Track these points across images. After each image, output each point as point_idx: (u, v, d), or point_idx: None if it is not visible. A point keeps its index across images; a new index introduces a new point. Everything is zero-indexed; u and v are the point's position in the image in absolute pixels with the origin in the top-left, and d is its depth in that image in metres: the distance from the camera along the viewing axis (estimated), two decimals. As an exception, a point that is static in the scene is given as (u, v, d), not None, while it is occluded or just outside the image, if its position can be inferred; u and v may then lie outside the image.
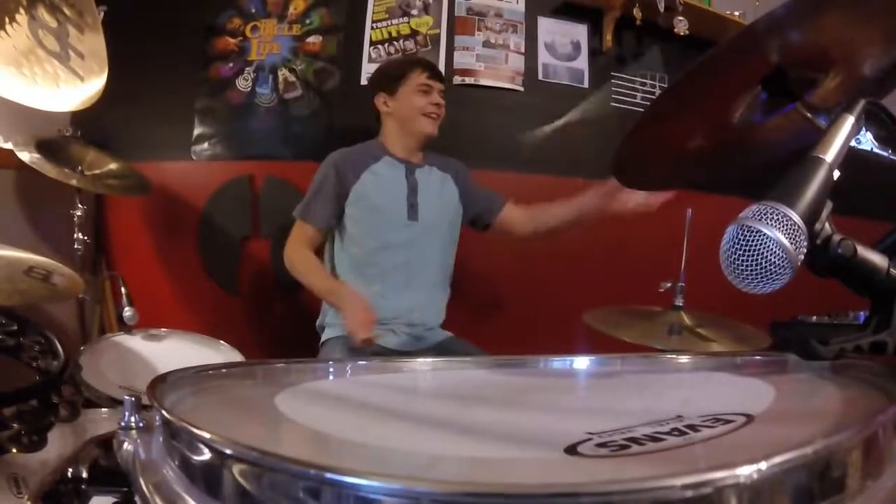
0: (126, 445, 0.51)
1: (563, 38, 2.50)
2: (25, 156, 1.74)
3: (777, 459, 0.34)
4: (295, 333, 2.31)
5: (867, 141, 0.67)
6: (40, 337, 1.19)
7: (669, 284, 1.59)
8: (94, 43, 1.51)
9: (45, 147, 1.80)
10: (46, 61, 1.35)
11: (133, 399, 0.54)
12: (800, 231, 0.54)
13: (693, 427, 0.48)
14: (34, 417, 0.98)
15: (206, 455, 0.41)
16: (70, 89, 1.49)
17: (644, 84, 2.56)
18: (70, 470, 0.53)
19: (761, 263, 0.54)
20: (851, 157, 0.62)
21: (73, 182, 1.78)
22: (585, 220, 1.82)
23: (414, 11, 2.40)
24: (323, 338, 1.82)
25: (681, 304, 1.58)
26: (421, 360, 0.87)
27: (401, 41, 2.38)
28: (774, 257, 0.54)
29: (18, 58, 1.35)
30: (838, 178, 0.59)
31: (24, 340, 1.18)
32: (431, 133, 1.83)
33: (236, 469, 0.39)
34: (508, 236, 2.01)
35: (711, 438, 0.46)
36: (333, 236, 1.85)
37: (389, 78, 1.85)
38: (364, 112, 1.93)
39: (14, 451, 0.94)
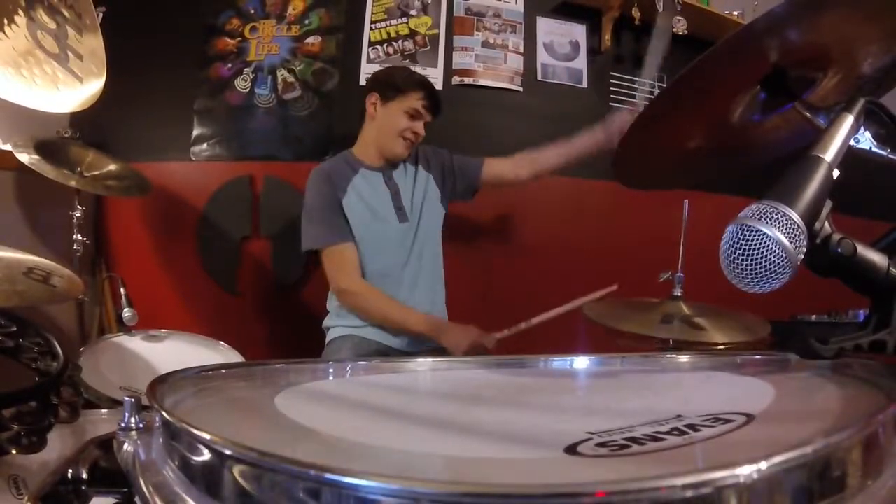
0: (126, 446, 0.51)
1: (561, 38, 2.50)
2: (25, 157, 1.74)
3: (777, 459, 0.34)
4: (295, 333, 2.31)
5: (866, 140, 0.67)
6: (39, 338, 1.19)
7: (668, 275, 1.60)
8: (93, 44, 1.51)
9: (45, 148, 1.80)
10: (45, 63, 1.34)
11: (133, 400, 0.54)
12: (799, 230, 0.54)
13: (693, 427, 0.48)
14: (34, 419, 0.98)
15: (206, 456, 0.41)
16: (69, 90, 1.48)
17: (643, 84, 2.56)
18: (70, 471, 0.53)
19: (761, 263, 0.54)
20: (850, 157, 0.62)
21: (73, 183, 1.78)
22: (581, 161, 1.86)
23: (413, 12, 2.40)
24: (329, 337, 1.82)
25: (679, 295, 1.58)
26: (421, 360, 0.87)
27: (399, 42, 2.38)
28: (774, 256, 0.54)
29: (17, 59, 1.34)
30: (838, 177, 0.59)
31: (24, 342, 1.17)
32: (401, 156, 1.81)
33: (236, 470, 0.39)
34: (501, 186, 2.04)
35: (711, 438, 0.46)
36: None
37: (390, 85, 1.81)
38: (362, 112, 1.92)
39: (14, 452, 0.94)
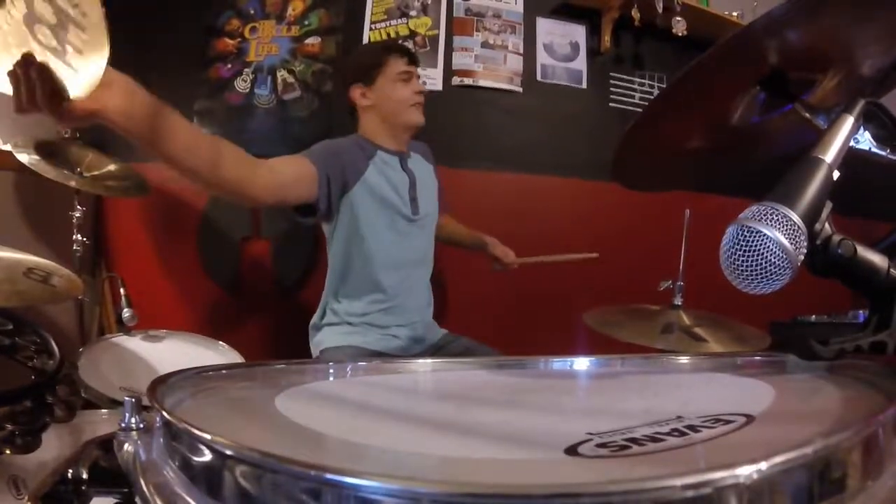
0: (126, 446, 0.51)
1: (561, 38, 2.50)
2: (24, 157, 1.74)
3: (777, 459, 0.34)
4: (295, 334, 2.31)
5: (865, 140, 0.67)
6: (36, 336, 1.19)
7: (669, 283, 1.59)
8: (95, 42, 1.50)
9: (44, 148, 1.80)
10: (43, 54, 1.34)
11: (133, 400, 0.54)
12: (800, 231, 0.55)
13: (693, 427, 0.48)
14: (28, 418, 0.98)
15: (207, 456, 0.41)
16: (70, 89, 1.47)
17: (642, 84, 2.57)
18: (70, 471, 0.53)
19: (761, 264, 0.54)
20: (850, 157, 0.62)
21: (73, 183, 1.78)
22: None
23: (412, 12, 2.40)
24: (321, 346, 1.74)
25: (680, 304, 1.58)
26: (421, 360, 0.87)
27: (399, 42, 2.38)
28: (774, 258, 0.54)
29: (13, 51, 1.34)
30: (837, 179, 0.59)
31: (20, 340, 1.17)
32: (420, 122, 1.74)
33: (237, 470, 0.39)
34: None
35: (711, 439, 0.46)
36: (334, 234, 1.71)
37: (365, 67, 1.73)
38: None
39: (7, 452, 0.93)
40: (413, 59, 1.75)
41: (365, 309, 1.70)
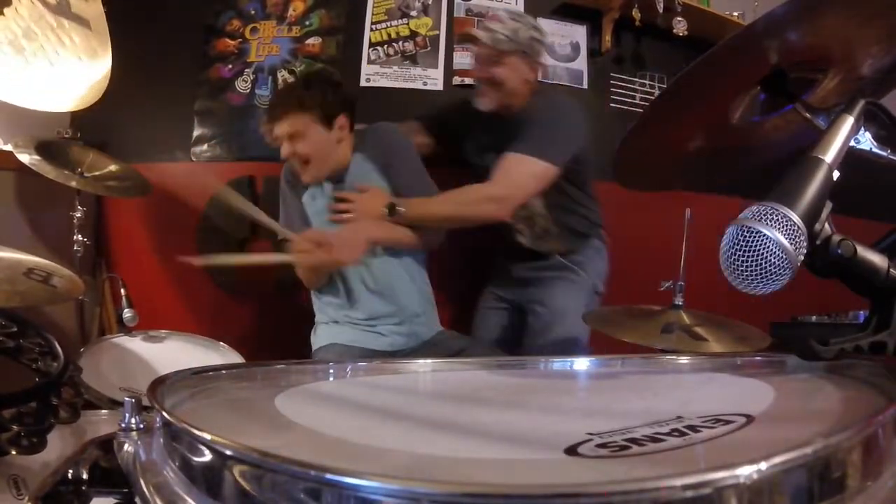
0: (126, 447, 0.51)
1: (562, 39, 2.50)
2: (25, 157, 1.74)
3: (777, 460, 0.34)
4: (295, 334, 2.31)
5: (866, 141, 0.67)
6: (40, 339, 1.19)
7: (670, 283, 1.59)
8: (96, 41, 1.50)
9: (45, 149, 1.80)
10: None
11: (133, 400, 0.54)
12: (799, 231, 0.55)
13: (693, 427, 0.48)
14: (34, 419, 0.98)
15: (207, 456, 0.41)
16: (71, 88, 1.48)
17: (643, 85, 2.56)
18: (70, 471, 0.53)
19: (761, 264, 0.54)
20: (851, 158, 0.62)
21: (73, 184, 1.78)
22: None
23: (413, 13, 2.40)
24: (315, 345, 1.78)
25: (680, 304, 1.58)
26: (421, 361, 0.87)
27: (400, 42, 2.38)
28: (774, 258, 0.54)
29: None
30: (837, 179, 0.59)
31: (24, 342, 1.17)
32: (306, 181, 1.78)
33: (237, 470, 0.39)
34: None
35: (711, 439, 0.46)
36: None
37: (352, 103, 1.83)
38: (361, 113, 1.92)
39: (13, 452, 0.94)
40: (271, 118, 1.76)
41: (340, 313, 1.76)
